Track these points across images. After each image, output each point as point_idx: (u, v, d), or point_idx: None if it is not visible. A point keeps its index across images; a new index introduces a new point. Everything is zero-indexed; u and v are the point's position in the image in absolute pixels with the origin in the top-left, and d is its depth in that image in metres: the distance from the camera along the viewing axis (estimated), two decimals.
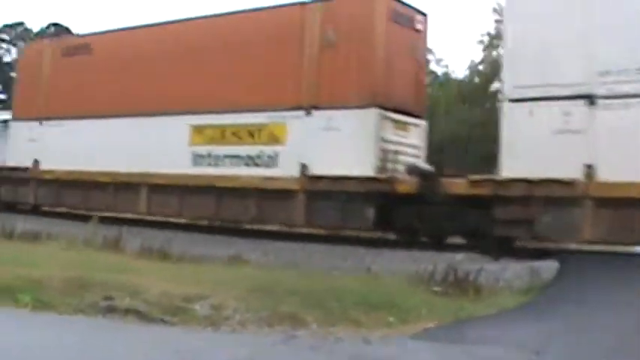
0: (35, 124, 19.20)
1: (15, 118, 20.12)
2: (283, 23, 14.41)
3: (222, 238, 13.91)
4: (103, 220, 12.91)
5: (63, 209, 18.77)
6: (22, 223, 13.10)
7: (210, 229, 15.68)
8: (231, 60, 15.23)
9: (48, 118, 18.93)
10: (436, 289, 7.86)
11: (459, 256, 10.51)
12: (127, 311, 6.53)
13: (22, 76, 20.46)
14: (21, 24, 68.72)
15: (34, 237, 11.69)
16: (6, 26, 69.32)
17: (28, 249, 10.22)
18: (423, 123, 14.74)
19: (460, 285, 7.94)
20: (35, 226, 12.93)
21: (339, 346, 5.59)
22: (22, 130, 19.71)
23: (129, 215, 17.06)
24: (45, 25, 65.01)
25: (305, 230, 14.66)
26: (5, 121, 21.92)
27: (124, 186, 16.64)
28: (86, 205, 17.50)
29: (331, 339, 5.83)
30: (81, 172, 17.50)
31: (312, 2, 14.21)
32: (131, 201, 16.56)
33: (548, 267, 9.44)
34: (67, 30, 68.08)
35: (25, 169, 19.01)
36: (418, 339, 5.88)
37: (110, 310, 6.59)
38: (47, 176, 18.51)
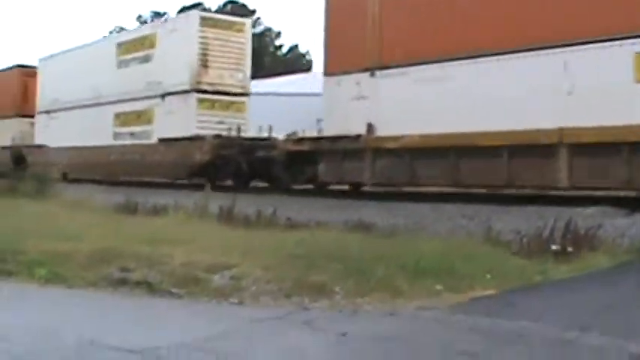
0: (363, 76, 16.80)
1: (329, 73, 18.08)
2: None
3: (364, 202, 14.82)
4: None
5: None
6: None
7: None
8: None
9: (383, 67, 16.43)
10: (554, 247, 7.90)
11: (590, 210, 10.94)
12: (138, 283, 6.94)
13: (334, 16, 17.70)
14: (199, 4, 71.86)
15: (158, 211, 12.37)
16: (185, 8, 72.44)
17: (124, 222, 10.92)
18: None
19: (577, 242, 8.00)
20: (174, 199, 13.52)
21: (337, 321, 5.61)
22: (341, 87, 17.47)
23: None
24: (222, 3, 68.33)
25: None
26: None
27: (524, 149, 13.80)
28: (457, 179, 15.10)
29: (344, 311, 5.91)
30: (450, 136, 14.82)
31: None
32: (540, 169, 13.70)
33: None
34: (244, 7, 69.17)
35: (356, 138, 16.65)
36: (452, 310, 5.82)
37: (122, 283, 7.03)
38: (391, 144, 16.10)
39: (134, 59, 25.00)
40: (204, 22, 22.39)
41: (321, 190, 17.81)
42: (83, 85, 27.14)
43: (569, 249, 7.82)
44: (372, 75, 16.65)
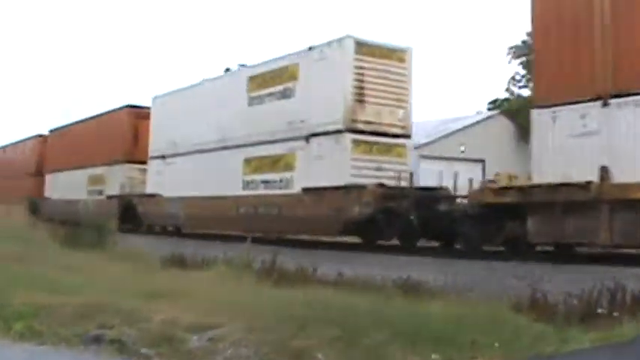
0: (591, 106, 14.29)
1: (541, 105, 15.53)
2: None
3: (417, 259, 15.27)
4: None
5: None
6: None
7: None
8: None
9: (621, 94, 13.79)
10: (600, 311, 7.74)
11: None
12: (112, 341, 7.05)
13: (543, 32, 15.72)
14: None
15: (204, 264, 12.53)
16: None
17: (151, 276, 10.97)
18: None
19: (625, 306, 7.81)
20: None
21: None
22: (559, 121, 14.90)
23: None
24: None
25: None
26: None
27: None
28: None
29: None
30: None
31: None
32: None
33: None
34: None
35: (584, 186, 14.12)
36: None
37: (95, 340, 7.12)
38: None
39: (270, 95, 22.60)
40: (360, 48, 19.88)
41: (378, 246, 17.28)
42: (206, 126, 25.21)
43: (615, 314, 7.62)
44: (605, 104, 14.13)
